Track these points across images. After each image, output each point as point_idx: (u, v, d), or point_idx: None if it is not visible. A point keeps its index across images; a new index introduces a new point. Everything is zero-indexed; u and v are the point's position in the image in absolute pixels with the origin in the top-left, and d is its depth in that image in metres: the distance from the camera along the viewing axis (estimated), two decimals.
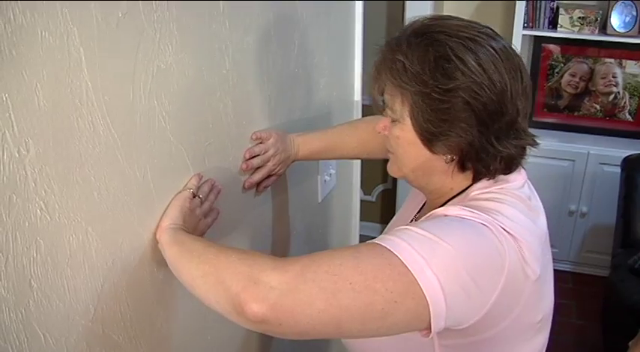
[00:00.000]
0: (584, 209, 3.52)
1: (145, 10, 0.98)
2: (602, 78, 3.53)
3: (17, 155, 0.80)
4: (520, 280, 0.97)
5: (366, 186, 3.95)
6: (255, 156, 1.39)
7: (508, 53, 1.04)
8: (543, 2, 3.35)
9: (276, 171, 1.45)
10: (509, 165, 1.08)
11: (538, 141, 1.11)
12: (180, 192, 1.15)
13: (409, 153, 1.09)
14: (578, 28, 3.34)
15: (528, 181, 1.15)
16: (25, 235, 0.84)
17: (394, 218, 1.43)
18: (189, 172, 1.18)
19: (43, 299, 0.89)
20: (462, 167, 1.08)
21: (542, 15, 3.39)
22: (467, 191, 1.09)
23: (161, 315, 1.17)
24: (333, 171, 1.98)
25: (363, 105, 2.17)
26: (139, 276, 1.10)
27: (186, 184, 1.17)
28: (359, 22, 2.05)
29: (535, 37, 3.51)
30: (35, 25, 0.79)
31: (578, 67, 3.54)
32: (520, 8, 3.28)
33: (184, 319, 1.25)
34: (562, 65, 3.56)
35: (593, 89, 3.57)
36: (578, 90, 3.59)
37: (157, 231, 1.11)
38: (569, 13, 3.33)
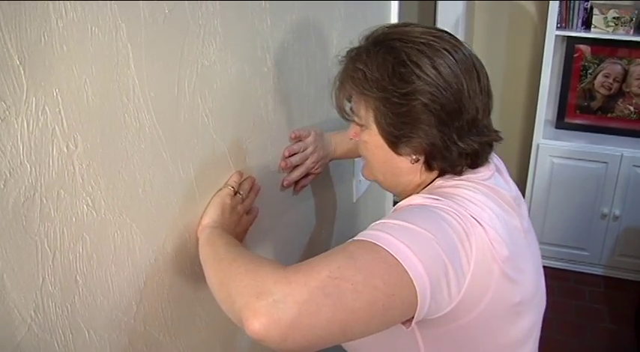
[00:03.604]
0: (617, 212, 3.46)
1: (190, 7, 0.98)
2: (637, 79, 3.47)
3: (66, 150, 0.80)
4: (488, 262, 0.99)
5: None
6: (294, 154, 1.39)
7: (463, 55, 1.07)
8: (577, 2, 3.30)
9: (314, 169, 1.45)
10: (475, 161, 1.11)
11: (501, 136, 1.14)
12: (221, 189, 1.15)
13: (377, 156, 1.14)
14: (612, 28, 3.29)
15: (501, 174, 1.18)
16: (72, 231, 0.84)
17: None
18: (231, 170, 1.18)
19: (88, 295, 0.90)
20: (429, 166, 1.11)
21: (575, 15, 3.35)
22: (432, 183, 1.12)
23: (200, 313, 1.17)
24: None
25: None
26: (180, 274, 1.10)
27: (227, 181, 1.17)
28: (394, 21, 2.04)
29: (568, 37, 3.46)
30: (86, 21, 0.79)
31: (612, 67, 3.49)
32: (553, 8, 3.23)
33: (223, 316, 1.23)
34: (595, 66, 3.51)
35: (627, 90, 3.52)
36: (612, 91, 3.54)
37: (198, 228, 1.11)
38: (603, 14, 3.28)
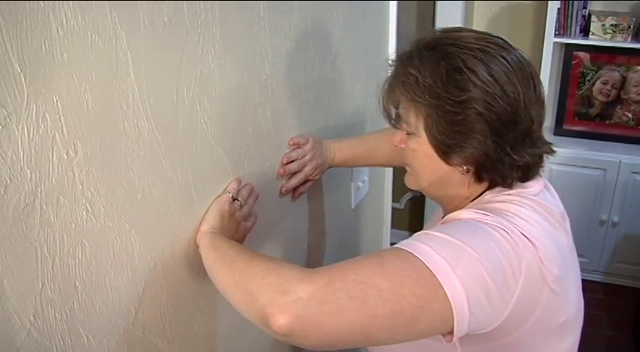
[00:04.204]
0: (616, 218, 3.47)
1: (189, 14, 0.99)
2: (635, 86, 3.48)
3: (66, 157, 0.81)
4: (538, 282, 0.96)
5: (394, 193, 3.93)
6: (292, 161, 1.40)
7: (520, 63, 1.04)
8: (575, 10, 3.32)
9: (312, 176, 1.45)
10: (527, 174, 1.08)
11: (555, 149, 1.11)
12: (219, 195, 1.16)
13: (425, 165, 1.10)
14: (610, 35, 3.31)
15: (548, 189, 1.15)
16: (72, 237, 0.85)
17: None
18: (229, 177, 1.19)
19: (87, 301, 0.90)
20: (479, 178, 1.08)
21: (573, 22, 3.36)
22: (481, 196, 1.09)
23: (198, 319, 1.17)
24: (366, 178, 1.98)
25: None
26: (179, 280, 1.10)
27: (226, 188, 1.17)
28: (393, 23, 2.04)
29: (566, 44, 3.48)
30: (86, 29, 0.80)
31: (610, 74, 3.50)
32: (551, 16, 3.25)
33: (221, 322, 1.25)
34: (593, 73, 3.52)
35: (625, 97, 3.53)
36: (610, 98, 3.55)
37: (197, 235, 1.11)
38: (601, 21, 3.30)
